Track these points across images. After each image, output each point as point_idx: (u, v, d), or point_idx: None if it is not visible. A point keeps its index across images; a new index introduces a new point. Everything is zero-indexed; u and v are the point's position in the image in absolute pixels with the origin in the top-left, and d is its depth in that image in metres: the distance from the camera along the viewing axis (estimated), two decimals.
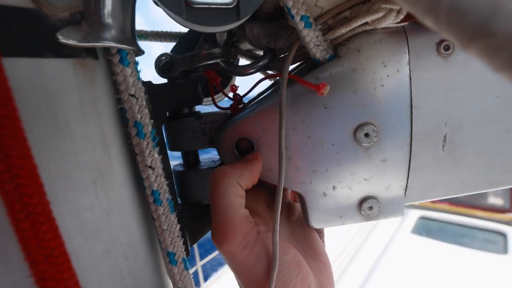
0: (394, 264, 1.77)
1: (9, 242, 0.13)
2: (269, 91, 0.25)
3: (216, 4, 0.16)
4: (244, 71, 0.26)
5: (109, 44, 0.15)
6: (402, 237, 2.07)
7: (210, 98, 0.32)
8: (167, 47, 0.35)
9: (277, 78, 0.30)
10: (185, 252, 0.20)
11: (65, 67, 0.15)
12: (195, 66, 0.26)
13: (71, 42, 0.14)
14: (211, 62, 0.26)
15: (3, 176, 0.11)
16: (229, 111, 0.28)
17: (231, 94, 0.30)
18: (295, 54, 0.23)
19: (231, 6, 0.16)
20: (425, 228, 2.16)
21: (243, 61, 0.33)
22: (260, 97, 0.25)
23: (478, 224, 2.07)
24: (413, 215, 2.29)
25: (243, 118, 0.24)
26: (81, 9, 0.15)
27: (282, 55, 0.26)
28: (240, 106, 0.27)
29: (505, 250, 1.78)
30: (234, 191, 0.20)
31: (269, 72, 0.32)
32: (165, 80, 0.28)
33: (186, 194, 0.29)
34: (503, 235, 1.92)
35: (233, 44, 0.28)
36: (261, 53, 0.33)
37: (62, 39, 0.14)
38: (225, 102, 0.32)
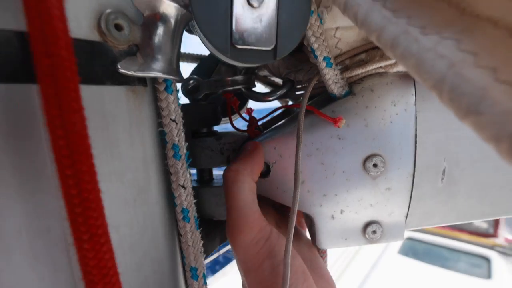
0: (380, 284, 1.78)
1: (61, 254, 0.14)
2: (285, 120, 0.28)
3: (256, 47, 0.18)
4: (264, 99, 0.28)
5: (159, 75, 0.17)
6: (389, 258, 2.08)
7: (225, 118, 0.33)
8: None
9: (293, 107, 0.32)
10: (204, 268, 0.21)
11: (120, 93, 0.17)
12: (218, 90, 0.28)
13: (129, 72, 0.16)
14: (234, 88, 0.28)
15: (74, 200, 0.12)
16: (246, 133, 0.30)
17: (246, 116, 0.32)
18: (313, 86, 0.25)
19: (269, 49, 0.18)
20: (412, 249, 2.18)
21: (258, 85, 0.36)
22: (278, 124, 0.27)
23: (463, 248, 2.11)
24: None
25: (262, 142, 0.26)
26: (137, 42, 0.17)
27: (299, 86, 0.28)
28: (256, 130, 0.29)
29: (488, 275, 1.82)
30: (249, 188, 0.22)
31: (287, 100, 0.34)
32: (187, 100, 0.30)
33: (199, 209, 0.30)
34: (487, 259, 1.97)
35: (253, 72, 0.30)
36: (275, 79, 0.36)
37: (122, 69, 0.16)
38: (238, 122, 0.34)
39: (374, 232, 0.27)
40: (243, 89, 0.29)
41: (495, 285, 1.71)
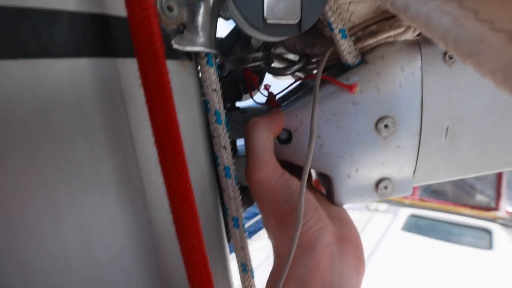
0: (386, 259, 1.85)
1: (140, 200, 0.18)
2: (304, 90, 0.30)
3: (284, 21, 0.21)
4: (282, 73, 0.31)
5: (203, 49, 0.20)
6: (394, 234, 2.15)
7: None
8: None
9: (306, 80, 0.35)
10: (243, 219, 0.25)
11: (173, 67, 0.19)
12: (240, 67, 0.31)
13: (180, 47, 0.19)
14: (254, 64, 0.31)
15: (167, 148, 0.15)
16: (265, 107, 0.33)
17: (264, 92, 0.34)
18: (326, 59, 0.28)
19: (294, 23, 0.21)
20: (415, 225, 2.25)
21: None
22: (297, 95, 0.30)
23: (465, 222, 2.18)
24: (404, 213, 2.38)
25: (284, 111, 0.29)
26: (184, 21, 0.20)
27: (314, 60, 0.31)
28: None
29: (490, 246, 1.88)
30: (265, 136, 0.25)
31: (300, 76, 0.37)
32: None
33: None
34: (489, 232, 2.03)
35: (270, 48, 0.33)
36: (288, 56, 0.39)
37: (175, 45, 0.19)
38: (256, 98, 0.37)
39: (385, 187, 0.30)
40: (262, 65, 0.31)
41: (496, 255, 1.78)
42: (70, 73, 0.15)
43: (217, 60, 0.29)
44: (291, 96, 0.35)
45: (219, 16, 0.21)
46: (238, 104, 0.35)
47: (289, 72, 0.31)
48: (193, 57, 0.21)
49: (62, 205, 0.15)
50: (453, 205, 2.36)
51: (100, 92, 0.16)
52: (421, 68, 0.26)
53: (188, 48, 0.19)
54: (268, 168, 0.24)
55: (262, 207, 0.25)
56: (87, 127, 0.16)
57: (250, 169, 0.24)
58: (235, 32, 0.35)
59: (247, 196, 0.35)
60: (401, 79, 0.26)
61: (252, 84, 0.34)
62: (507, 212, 2.20)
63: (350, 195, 0.31)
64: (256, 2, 0.20)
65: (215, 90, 0.21)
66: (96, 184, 0.16)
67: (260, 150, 0.24)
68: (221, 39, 0.40)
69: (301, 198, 0.22)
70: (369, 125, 0.28)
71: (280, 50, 0.36)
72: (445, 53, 0.26)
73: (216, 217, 0.24)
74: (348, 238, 0.26)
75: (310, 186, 0.34)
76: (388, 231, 2.19)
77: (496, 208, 2.24)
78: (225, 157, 0.23)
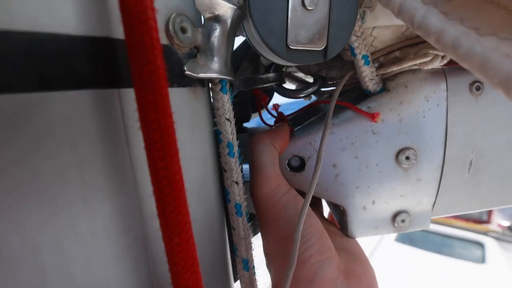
0: (379, 270, 1.84)
1: (141, 252, 0.15)
2: (319, 115, 0.28)
3: (309, 47, 0.19)
4: (295, 95, 0.29)
5: (218, 76, 0.18)
6: (387, 245, 2.14)
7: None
8: None
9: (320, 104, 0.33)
10: (253, 260, 0.22)
11: (184, 95, 0.17)
12: (251, 88, 0.28)
13: (193, 73, 0.17)
14: (266, 85, 0.28)
15: (168, 198, 0.13)
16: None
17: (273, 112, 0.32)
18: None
19: (320, 49, 0.19)
20: (408, 236, 2.25)
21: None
22: (311, 120, 0.28)
23: (457, 234, 2.19)
24: None
25: (297, 138, 0.27)
26: (198, 44, 0.17)
27: (329, 82, 0.29)
28: None
29: (482, 260, 1.89)
30: (268, 150, 0.24)
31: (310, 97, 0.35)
32: None
33: None
34: (481, 245, 2.04)
35: (282, 69, 0.31)
36: (299, 75, 0.37)
37: (188, 71, 0.17)
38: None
39: (403, 221, 0.28)
40: (274, 86, 0.29)
41: (489, 269, 1.78)
42: (64, 108, 0.12)
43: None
44: (303, 118, 0.33)
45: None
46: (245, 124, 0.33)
47: (302, 95, 0.29)
48: (206, 83, 0.19)
49: (51, 267, 0.12)
50: (446, 217, 2.37)
51: (99, 128, 0.13)
52: (447, 99, 0.25)
53: (202, 75, 0.17)
54: (271, 183, 0.22)
55: (264, 226, 0.23)
56: (82, 172, 0.13)
57: (253, 184, 0.23)
58: (244, 46, 0.33)
59: (253, 223, 0.32)
60: (425, 110, 0.25)
61: (262, 104, 0.32)
62: (499, 225, 2.22)
63: (364, 228, 0.28)
64: (280, 26, 0.18)
65: (228, 119, 0.19)
66: (90, 240, 0.13)
67: (263, 164, 0.23)
68: None
69: (302, 217, 0.19)
70: (389, 156, 0.26)
71: (292, 69, 0.34)
72: (471, 84, 0.25)
73: (222, 258, 0.22)
74: (358, 274, 0.23)
75: (321, 216, 0.32)
76: (381, 242, 2.18)
77: (488, 221, 2.26)
78: (237, 193, 0.20)
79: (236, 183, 0.20)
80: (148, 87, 0.12)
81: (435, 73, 0.25)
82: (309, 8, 0.18)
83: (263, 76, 0.28)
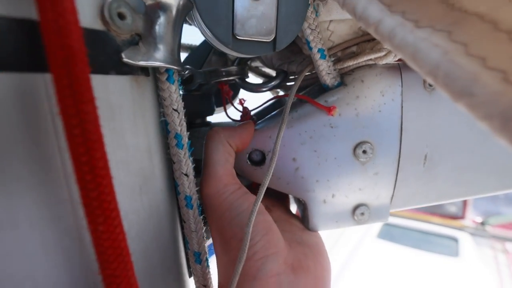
0: (362, 266, 1.89)
1: (72, 242, 0.15)
2: (280, 109, 0.28)
3: (257, 38, 0.18)
4: (257, 89, 0.29)
5: (161, 64, 0.17)
6: (369, 241, 2.20)
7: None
8: None
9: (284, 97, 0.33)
10: (207, 252, 0.22)
11: (124, 83, 0.17)
12: (212, 81, 0.28)
13: (132, 61, 0.16)
14: (228, 79, 0.28)
15: (89, 185, 0.12)
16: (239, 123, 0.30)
17: (239, 107, 0.32)
18: (304, 77, 0.26)
19: (268, 41, 0.19)
20: (389, 233, 2.32)
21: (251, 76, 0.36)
22: (272, 114, 0.28)
23: (434, 230, 2.28)
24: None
25: (257, 132, 0.26)
26: (139, 31, 0.17)
27: (292, 77, 0.29)
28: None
29: (456, 253, 1.98)
30: (223, 148, 0.23)
31: (279, 91, 0.35)
32: None
33: None
34: (455, 240, 2.14)
35: (246, 62, 0.30)
36: (266, 70, 0.37)
37: (126, 59, 0.16)
38: (231, 112, 0.35)
39: (362, 214, 0.29)
40: (236, 80, 0.29)
41: (462, 262, 1.87)
42: None
43: (187, 72, 0.27)
44: (268, 113, 0.32)
45: (184, 24, 0.19)
46: (209, 118, 0.32)
47: (264, 89, 0.29)
48: (151, 72, 0.18)
49: None
50: (424, 214, 2.46)
51: (21, 114, 0.13)
52: (402, 94, 0.25)
53: (142, 63, 0.16)
54: (219, 183, 0.22)
55: (210, 225, 0.23)
56: (5, 158, 0.12)
57: (201, 182, 0.22)
58: None
59: None
60: (381, 104, 0.25)
61: (226, 98, 0.32)
62: (473, 221, 2.32)
63: (325, 221, 0.29)
64: (226, 15, 0.17)
65: (176, 110, 0.19)
66: (12, 226, 0.13)
67: (215, 162, 0.22)
68: (194, 47, 0.37)
69: (252, 217, 0.19)
70: (347, 150, 0.26)
71: (257, 63, 0.34)
72: (425, 80, 0.25)
73: (174, 251, 0.21)
74: (308, 267, 0.22)
75: (287, 210, 0.32)
76: (364, 238, 2.24)
77: (462, 217, 2.36)
78: (187, 185, 0.20)
79: (186, 175, 0.20)
80: (64, 71, 0.11)
81: (391, 68, 0.25)
82: None
83: (225, 69, 0.28)
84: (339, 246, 2.13)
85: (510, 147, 0.10)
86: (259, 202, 0.20)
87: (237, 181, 0.23)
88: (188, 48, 0.36)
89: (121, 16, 0.16)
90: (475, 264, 1.86)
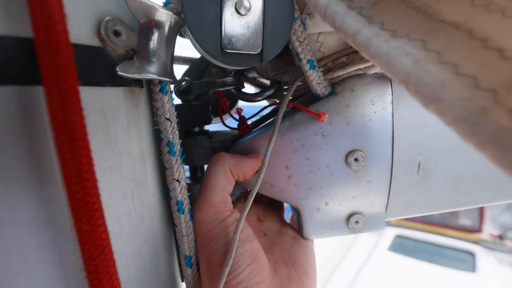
0: (372, 279, 1.82)
1: (65, 241, 0.16)
2: (273, 118, 0.29)
3: (244, 51, 0.19)
4: (252, 99, 0.30)
5: (154, 77, 0.19)
6: (380, 254, 2.13)
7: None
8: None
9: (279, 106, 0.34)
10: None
11: (118, 94, 0.18)
12: (209, 91, 0.29)
13: (126, 74, 0.17)
14: (224, 89, 0.29)
15: (75, 187, 0.13)
16: (236, 131, 0.31)
17: (236, 116, 0.33)
18: (297, 87, 0.27)
19: (256, 53, 0.20)
20: (401, 246, 2.24)
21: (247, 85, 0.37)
22: (266, 123, 0.29)
23: (449, 243, 2.18)
24: (390, 233, 2.38)
25: (251, 140, 0.27)
26: (134, 47, 0.18)
27: (286, 87, 0.30)
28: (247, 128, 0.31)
29: (473, 269, 1.88)
30: (224, 175, 0.23)
31: (274, 100, 0.36)
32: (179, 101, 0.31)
33: (192, 204, 0.31)
34: (472, 254, 2.04)
35: (242, 73, 0.32)
36: (263, 80, 0.38)
37: (120, 72, 0.17)
38: (229, 121, 0.36)
39: (356, 222, 0.29)
40: (233, 90, 0.30)
41: (480, 278, 1.77)
42: None
43: (184, 83, 0.28)
44: (264, 121, 0.33)
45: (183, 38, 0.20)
46: (211, 127, 0.33)
47: (259, 99, 0.30)
48: (144, 83, 0.20)
49: None
50: (438, 227, 2.37)
51: (21, 123, 0.14)
52: (392, 102, 0.26)
53: (136, 76, 0.18)
54: (211, 209, 0.22)
55: (198, 250, 0.23)
56: (6, 162, 0.14)
57: (195, 205, 0.23)
58: None
59: None
60: (371, 113, 0.26)
61: (223, 107, 0.33)
62: (490, 235, 2.22)
63: (319, 229, 0.29)
64: (214, 31, 0.19)
65: (168, 119, 0.20)
66: (11, 229, 0.14)
67: (212, 187, 0.22)
68: (195, 60, 0.39)
69: (233, 244, 0.20)
70: (339, 158, 0.27)
71: (253, 74, 0.35)
72: None
73: (166, 254, 0.22)
74: None
75: (281, 219, 0.32)
76: (374, 251, 2.17)
77: (479, 230, 2.26)
78: (178, 191, 0.21)
79: (177, 180, 0.21)
80: (54, 85, 0.12)
81: (381, 77, 0.26)
82: (242, 13, 0.19)
83: (221, 80, 0.29)
84: (348, 259, 2.07)
85: (477, 151, 0.11)
86: (239, 230, 0.21)
87: (230, 207, 0.23)
88: (189, 60, 0.37)
89: (117, 33, 0.17)
90: (493, 281, 1.76)
